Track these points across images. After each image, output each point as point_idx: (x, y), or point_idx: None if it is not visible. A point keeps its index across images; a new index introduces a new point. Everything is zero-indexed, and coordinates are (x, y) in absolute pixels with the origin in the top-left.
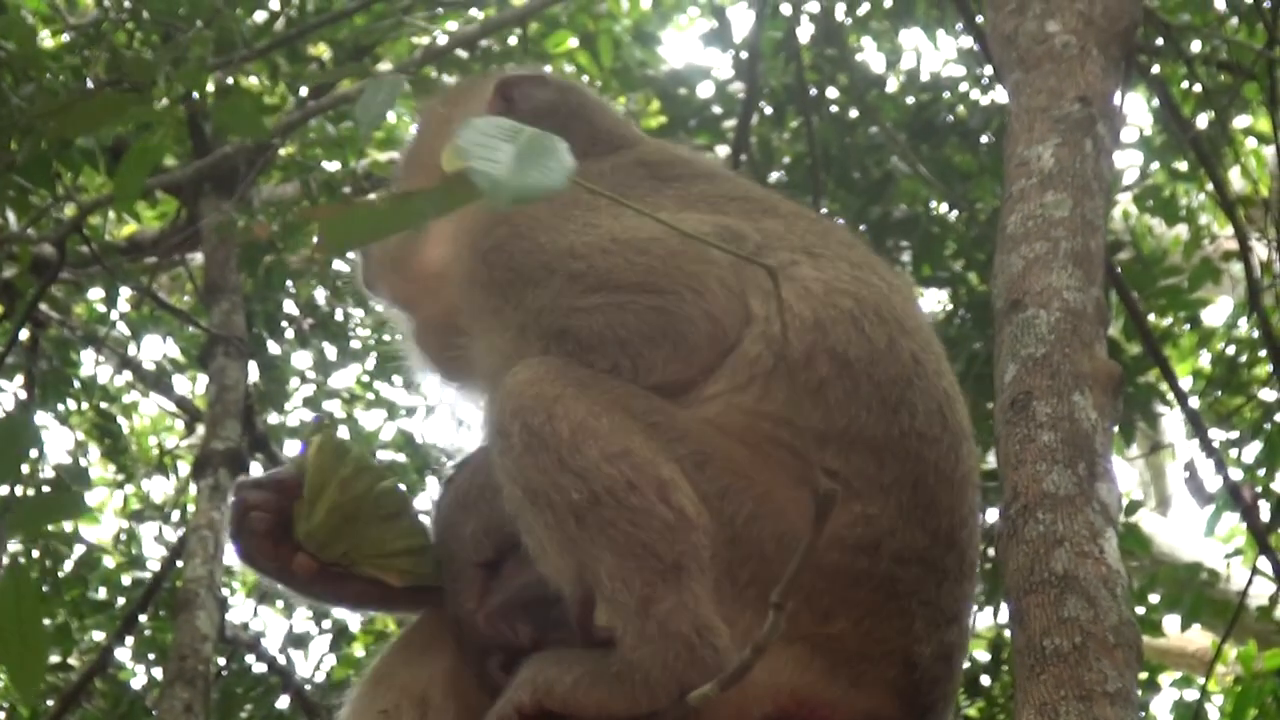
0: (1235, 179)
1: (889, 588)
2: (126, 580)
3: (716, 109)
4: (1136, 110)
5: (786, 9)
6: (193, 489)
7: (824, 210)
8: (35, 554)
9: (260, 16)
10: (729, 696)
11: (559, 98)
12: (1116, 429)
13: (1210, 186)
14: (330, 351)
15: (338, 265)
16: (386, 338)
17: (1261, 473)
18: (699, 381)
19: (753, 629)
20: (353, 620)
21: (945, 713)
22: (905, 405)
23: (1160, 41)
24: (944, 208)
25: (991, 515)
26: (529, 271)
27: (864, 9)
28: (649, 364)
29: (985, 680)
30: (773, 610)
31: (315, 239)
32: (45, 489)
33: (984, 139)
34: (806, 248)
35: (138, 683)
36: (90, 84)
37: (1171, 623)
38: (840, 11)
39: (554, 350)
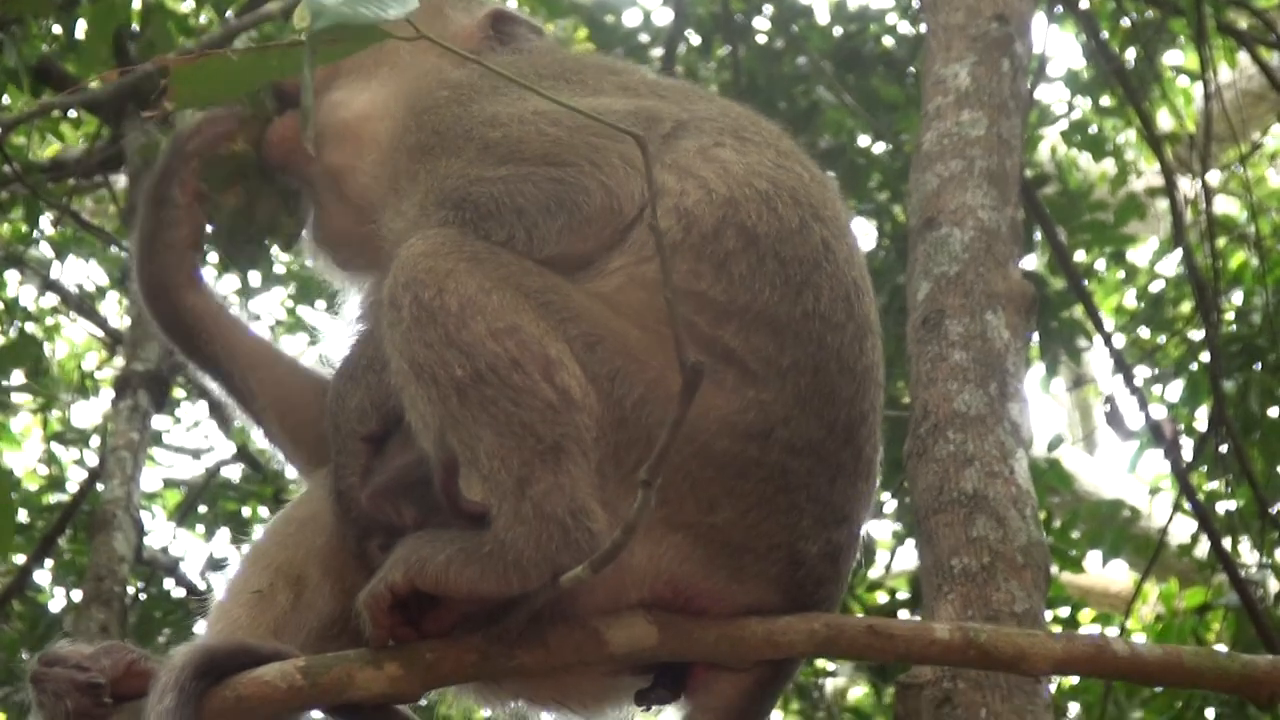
0: (1164, 118)
1: (779, 480)
2: (48, 502)
3: (643, 37)
4: (1065, 45)
5: None
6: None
7: None
8: None
9: None
10: (604, 581)
11: (538, 41)
12: (1044, 367)
13: (1138, 123)
14: (253, 276)
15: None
16: (310, 263)
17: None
18: (598, 258)
19: None
20: None
21: (830, 612)
22: (810, 286)
23: None
24: (869, 139)
25: None
26: (450, 138)
27: None
28: (544, 235)
29: (905, 615)
30: (641, 488)
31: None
32: None
33: (910, 70)
34: (735, 131)
35: (56, 605)
36: None
37: (1094, 562)
38: None
39: (453, 220)
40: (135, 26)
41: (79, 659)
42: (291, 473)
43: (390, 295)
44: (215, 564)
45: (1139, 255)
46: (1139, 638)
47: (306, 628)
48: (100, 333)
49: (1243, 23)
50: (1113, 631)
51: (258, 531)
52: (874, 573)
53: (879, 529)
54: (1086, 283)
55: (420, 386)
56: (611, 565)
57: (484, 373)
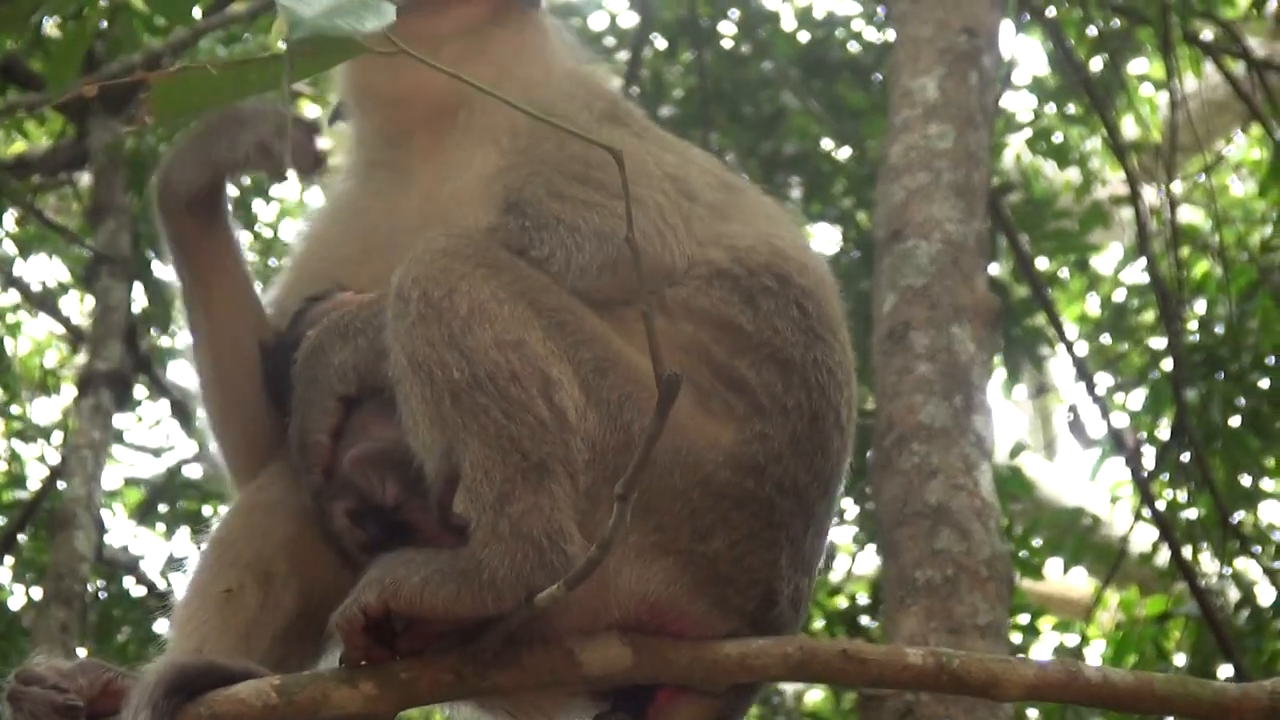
0: (1129, 127)
1: (767, 515)
2: (8, 500)
3: (609, 40)
4: (1031, 53)
5: None
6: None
7: (714, 146)
8: None
9: None
10: (584, 601)
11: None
12: (1005, 372)
13: (1103, 131)
14: None
15: (229, 191)
16: (272, 263)
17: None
18: (624, 304)
19: (635, 538)
20: None
21: None
22: (822, 341)
23: None
24: (835, 145)
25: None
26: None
27: None
28: (584, 263)
29: (865, 620)
30: (616, 502)
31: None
32: None
33: (876, 76)
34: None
35: (16, 602)
36: None
37: (1054, 570)
38: None
39: (512, 214)
40: (103, 23)
41: (56, 679)
42: None
43: (399, 287)
44: (176, 563)
45: (1103, 263)
46: (1099, 645)
47: (274, 626)
48: (62, 330)
49: (1208, 33)
50: (1072, 639)
51: (221, 516)
52: (835, 578)
53: (840, 534)
54: (1050, 290)
55: (416, 383)
56: (596, 585)
57: (481, 380)
